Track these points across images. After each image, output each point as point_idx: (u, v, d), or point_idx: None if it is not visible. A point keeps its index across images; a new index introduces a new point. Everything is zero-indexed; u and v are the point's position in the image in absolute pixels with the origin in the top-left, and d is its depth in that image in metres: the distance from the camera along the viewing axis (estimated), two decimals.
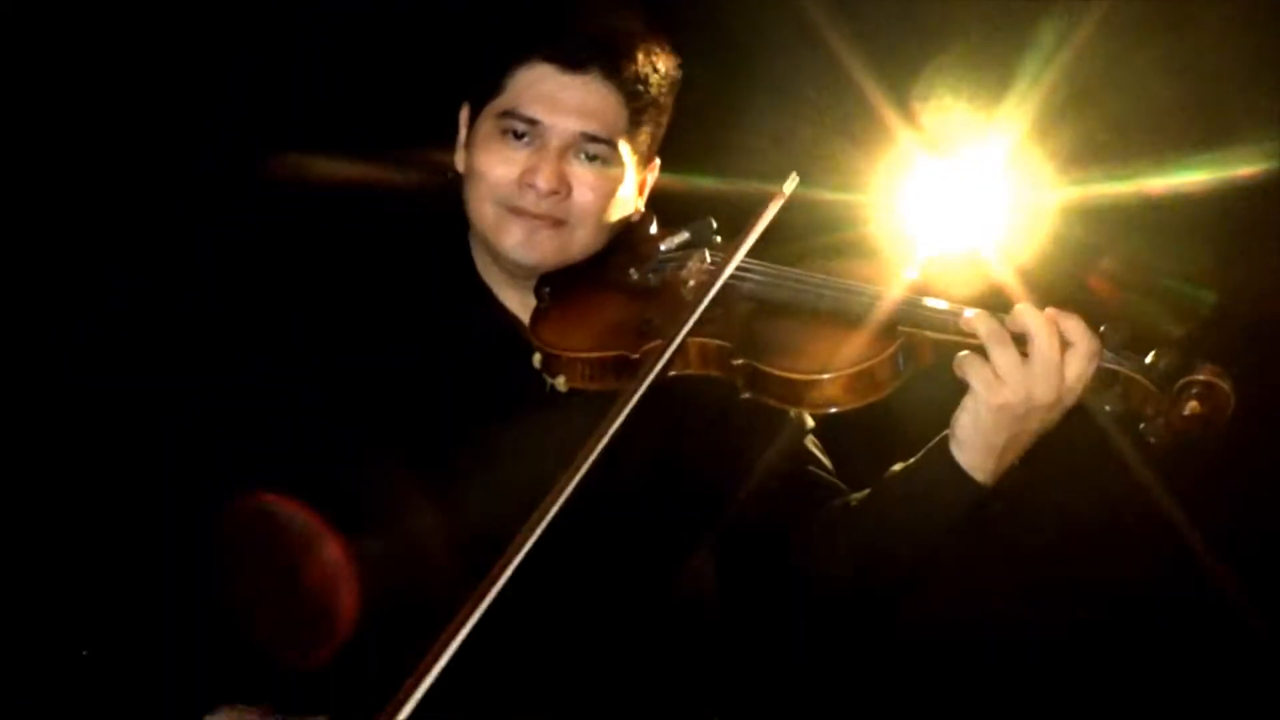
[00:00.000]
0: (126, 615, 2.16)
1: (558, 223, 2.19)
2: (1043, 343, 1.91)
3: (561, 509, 1.85)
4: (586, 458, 1.88)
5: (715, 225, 2.23)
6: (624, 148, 2.21)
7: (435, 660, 1.77)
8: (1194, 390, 1.91)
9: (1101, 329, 1.97)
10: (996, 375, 1.92)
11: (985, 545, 3.06)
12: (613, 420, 1.91)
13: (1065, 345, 1.92)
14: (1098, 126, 2.91)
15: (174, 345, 2.93)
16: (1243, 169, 2.93)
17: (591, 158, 2.19)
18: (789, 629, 3.15)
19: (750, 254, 2.11)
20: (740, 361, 2.01)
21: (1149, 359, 1.94)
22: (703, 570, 2.35)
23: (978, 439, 1.98)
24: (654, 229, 2.32)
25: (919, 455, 2.09)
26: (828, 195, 2.87)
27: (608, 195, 2.21)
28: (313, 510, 2.13)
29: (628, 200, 2.26)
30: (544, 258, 2.20)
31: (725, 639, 2.40)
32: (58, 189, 2.95)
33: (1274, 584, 3.07)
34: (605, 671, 2.18)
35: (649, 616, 2.24)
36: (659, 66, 2.23)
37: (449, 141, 2.32)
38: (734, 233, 2.17)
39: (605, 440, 1.89)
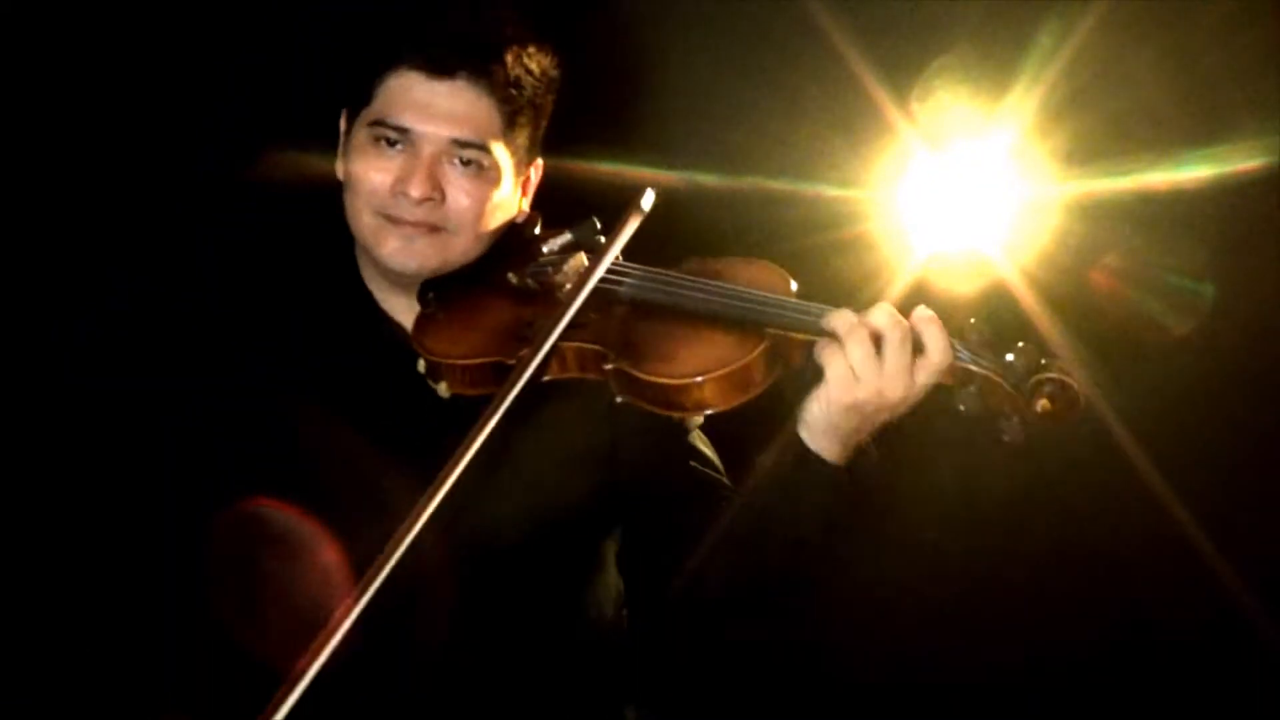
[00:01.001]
0: (110, 617, 2.15)
1: (434, 229, 2.18)
2: (894, 345, 1.94)
3: (434, 514, 1.88)
4: (455, 465, 1.90)
5: (599, 225, 2.21)
6: (499, 151, 2.20)
7: (303, 671, 1.81)
8: (1045, 388, 1.95)
9: (970, 320, 2.01)
10: (852, 372, 1.95)
11: (987, 546, 3.10)
12: (483, 426, 1.93)
13: (919, 348, 1.96)
14: (1097, 123, 2.91)
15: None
16: (1242, 164, 2.93)
17: (466, 163, 2.18)
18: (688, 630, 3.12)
19: (633, 258, 2.12)
20: (612, 366, 2.03)
21: (1009, 358, 1.98)
22: (604, 572, 2.34)
23: (826, 426, 2.01)
24: (538, 230, 2.31)
25: (772, 444, 2.09)
26: (828, 192, 2.88)
27: (484, 200, 2.20)
28: (305, 514, 2.13)
29: (508, 203, 2.25)
30: (422, 265, 2.19)
31: (633, 638, 2.39)
32: (55, 189, 2.94)
33: (1274, 583, 3.06)
34: (516, 673, 2.19)
35: (544, 625, 2.24)
36: (532, 67, 2.21)
37: (330, 146, 2.31)
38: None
39: (475, 446, 1.91)
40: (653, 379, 2.00)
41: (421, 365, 2.12)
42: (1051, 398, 1.94)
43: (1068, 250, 2.93)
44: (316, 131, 2.34)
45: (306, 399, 2.18)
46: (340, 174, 2.26)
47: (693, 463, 2.28)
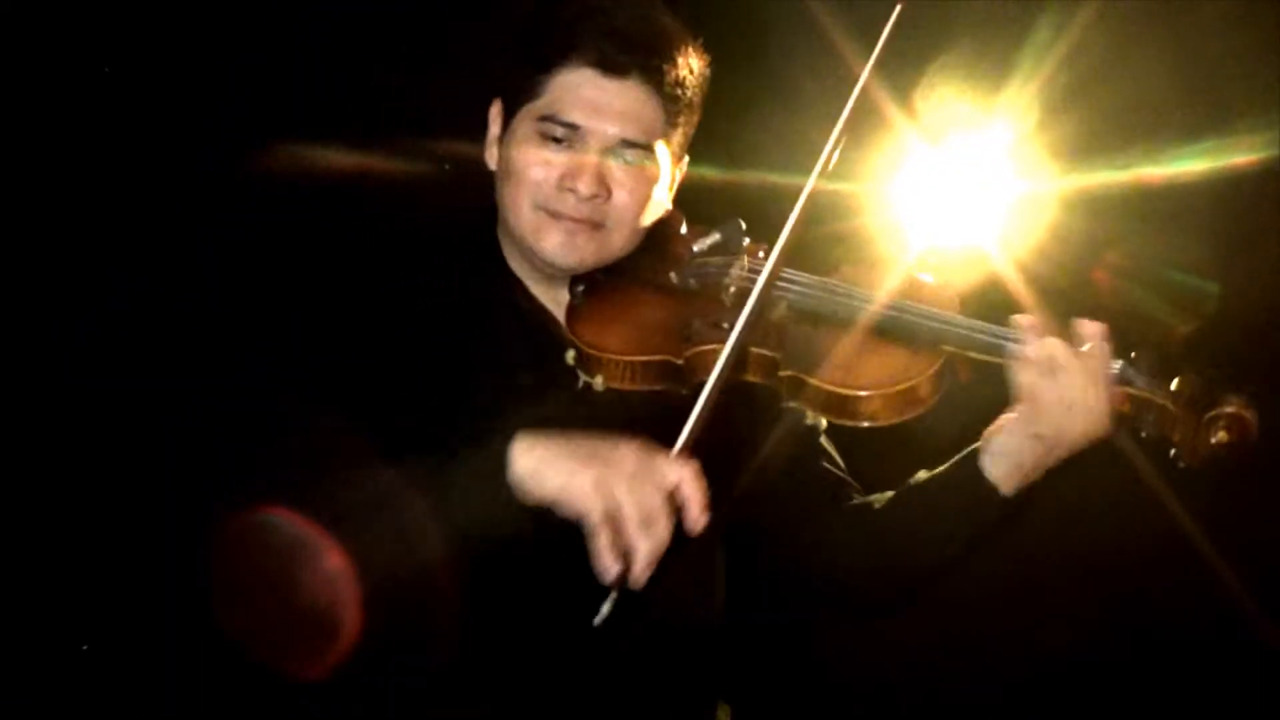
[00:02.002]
0: (126, 615, 2.14)
1: (596, 225, 2.19)
2: (1075, 377, 2.01)
3: None
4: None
5: (744, 227, 2.24)
6: (661, 149, 2.22)
7: None
8: (1222, 422, 1.98)
9: (1132, 355, 2.04)
10: (1043, 405, 2.01)
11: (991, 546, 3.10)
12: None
13: (1095, 378, 2.02)
14: (1096, 118, 2.91)
15: (190, 346, 2.93)
16: (1241, 158, 2.93)
17: (630, 161, 2.19)
18: (797, 625, 3.15)
19: (790, 265, 2.14)
20: (788, 373, 2.06)
21: (1175, 385, 2.01)
22: (713, 565, 2.34)
23: (1009, 458, 2.08)
24: (684, 229, 2.32)
25: (949, 464, 2.16)
26: (828, 187, 2.87)
27: (645, 197, 2.22)
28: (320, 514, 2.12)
29: (662, 200, 2.27)
30: (583, 260, 2.20)
31: (733, 631, 2.40)
32: (55, 189, 2.96)
33: (1274, 582, 3.07)
34: (614, 661, 2.18)
35: (657, 609, 2.23)
36: (694, 67, 2.24)
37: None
38: (761, 234, 2.20)
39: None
40: (827, 387, 2.03)
41: (571, 356, 2.12)
42: (1229, 429, 1.98)
43: (1066, 245, 2.94)
44: (468, 122, 2.35)
45: (453, 382, 2.18)
46: (492, 163, 2.28)
47: (824, 464, 2.32)
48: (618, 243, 2.22)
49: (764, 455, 2.25)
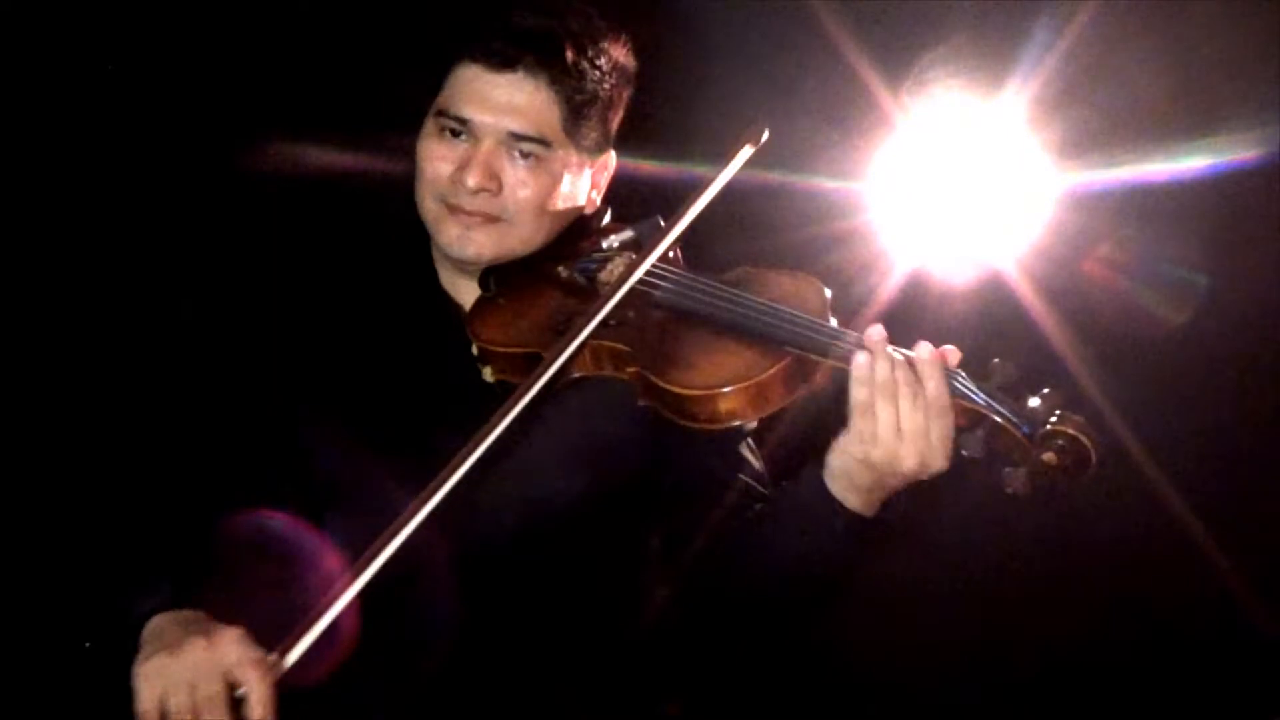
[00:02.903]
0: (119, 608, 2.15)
1: (491, 219, 2.21)
2: (906, 400, 1.94)
3: (443, 500, 1.92)
4: (469, 453, 1.93)
5: (663, 224, 2.21)
6: (561, 144, 2.22)
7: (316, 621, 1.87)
8: (1056, 441, 1.88)
9: (994, 361, 1.97)
10: (874, 433, 1.95)
11: (985, 543, 3.10)
12: (501, 416, 1.95)
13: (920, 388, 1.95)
14: (1092, 115, 2.91)
15: (148, 347, 2.93)
16: (1237, 156, 2.93)
17: (525, 155, 2.21)
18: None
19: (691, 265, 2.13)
20: (634, 369, 2.04)
21: (1032, 403, 1.92)
22: (636, 568, 2.33)
23: (843, 478, 2.02)
24: (605, 222, 2.33)
25: (797, 478, 2.11)
26: (823, 184, 2.88)
27: (543, 191, 2.22)
28: (302, 521, 2.14)
29: (572, 194, 2.27)
30: (480, 252, 2.22)
31: (678, 635, 2.39)
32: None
33: (1274, 580, 3.07)
34: (515, 667, 2.19)
35: (556, 615, 2.22)
36: (599, 60, 2.23)
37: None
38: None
39: (491, 436, 1.94)
40: (670, 387, 2.00)
41: (475, 349, 2.16)
42: (1060, 452, 1.87)
43: (1063, 242, 2.94)
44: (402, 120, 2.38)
45: (371, 383, 2.22)
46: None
47: (741, 474, 2.27)
48: (518, 235, 2.23)
49: (673, 459, 2.22)
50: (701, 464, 2.22)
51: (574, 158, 2.24)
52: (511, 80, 2.19)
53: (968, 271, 2.91)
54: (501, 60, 2.18)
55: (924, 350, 1.97)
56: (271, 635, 1.95)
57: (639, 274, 2.09)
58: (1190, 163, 2.93)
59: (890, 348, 1.97)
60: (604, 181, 2.34)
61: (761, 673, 3.20)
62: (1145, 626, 3.17)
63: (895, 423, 1.93)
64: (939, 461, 1.95)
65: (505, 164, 2.20)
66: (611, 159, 2.34)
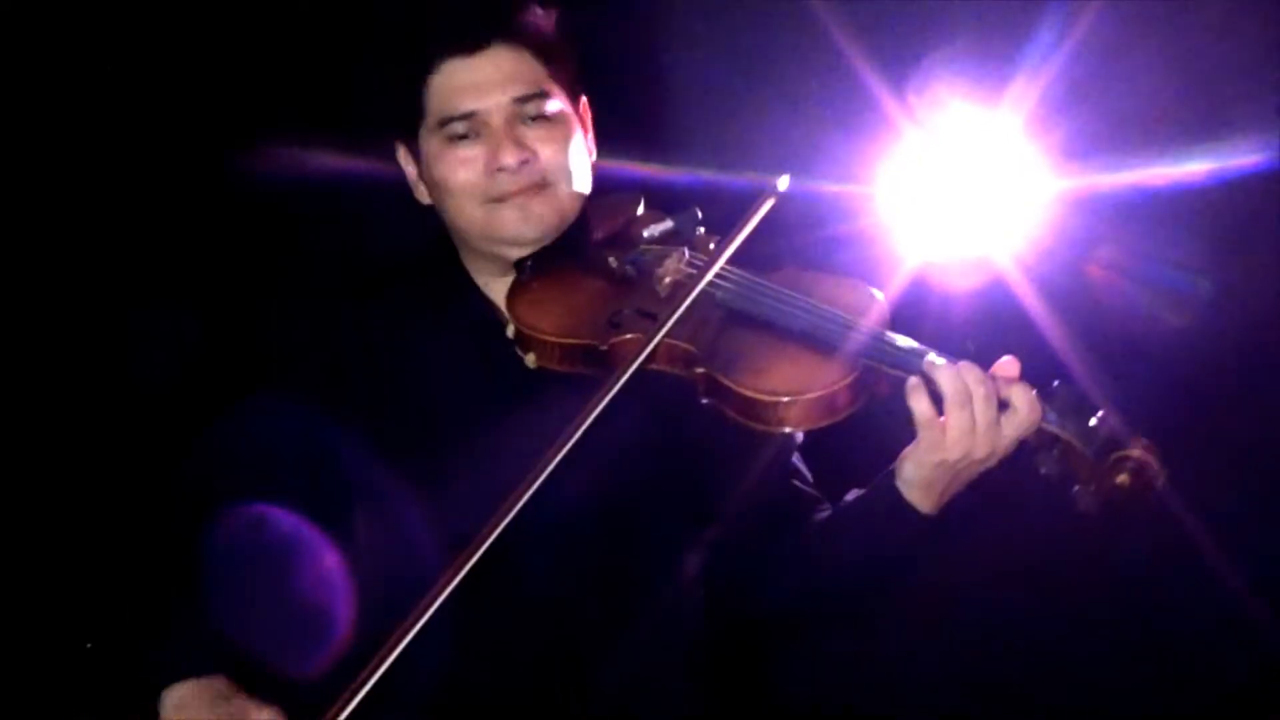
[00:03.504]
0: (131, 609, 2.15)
1: (539, 187, 2.22)
2: (981, 403, 1.98)
3: (536, 497, 1.91)
4: (560, 448, 1.93)
5: (700, 216, 2.25)
6: (555, 93, 2.24)
7: (397, 642, 1.83)
8: (1127, 465, 1.96)
9: (1054, 384, 2.03)
10: (944, 433, 1.99)
11: (984, 542, 3.10)
12: (587, 415, 1.95)
13: (1005, 405, 2.00)
14: (1096, 118, 2.92)
15: (177, 353, 2.94)
16: (1241, 159, 2.93)
17: (535, 117, 2.22)
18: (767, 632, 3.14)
19: (731, 260, 2.13)
20: (702, 370, 2.05)
21: (1091, 423, 1.99)
22: (692, 572, 2.34)
23: (918, 482, 2.07)
24: (640, 210, 2.34)
25: (869, 488, 2.16)
26: (827, 188, 2.88)
27: (566, 141, 2.24)
28: (315, 517, 2.14)
29: (583, 143, 2.29)
30: (543, 223, 2.23)
31: (715, 638, 2.40)
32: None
33: (1274, 578, 3.07)
34: (590, 662, 2.20)
35: (636, 611, 2.24)
36: (549, 20, 2.27)
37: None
38: (719, 227, 2.19)
39: (580, 432, 1.94)
40: (741, 390, 2.01)
41: (511, 331, 2.16)
42: (1132, 474, 1.96)
43: (1066, 246, 2.94)
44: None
45: (413, 386, 2.23)
46: (424, 198, 2.31)
47: (794, 480, 2.31)
48: (567, 196, 2.25)
49: (739, 464, 2.24)
50: (759, 467, 2.25)
51: (568, 105, 2.26)
52: (490, 55, 2.20)
53: (971, 275, 2.91)
54: (474, 42, 2.20)
55: (1010, 368, 2.03)
56: (273, 634, 1.95)
57: (711, 275, 2.09)
58: (1194, 166, 2.93)
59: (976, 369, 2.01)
60: (590, 128, 2.35)
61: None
62: (1145, 626, 3.18)
63: (971, 426, 1.98)
64: (1008, 448, 2.01)
65: (525, 133, 2.21)
66: (585, 103, 2.35)
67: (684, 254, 2.19)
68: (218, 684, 1.97)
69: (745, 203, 2.10)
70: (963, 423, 1.98)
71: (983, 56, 2.92)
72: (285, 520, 2.12)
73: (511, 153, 2.19)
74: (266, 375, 2.29)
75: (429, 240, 2.33)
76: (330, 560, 2.10)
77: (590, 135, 2.34)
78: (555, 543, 2.14)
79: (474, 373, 2.23)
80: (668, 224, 2.26)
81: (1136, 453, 1.96)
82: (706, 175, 2.52)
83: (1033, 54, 2.88)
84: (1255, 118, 2.94)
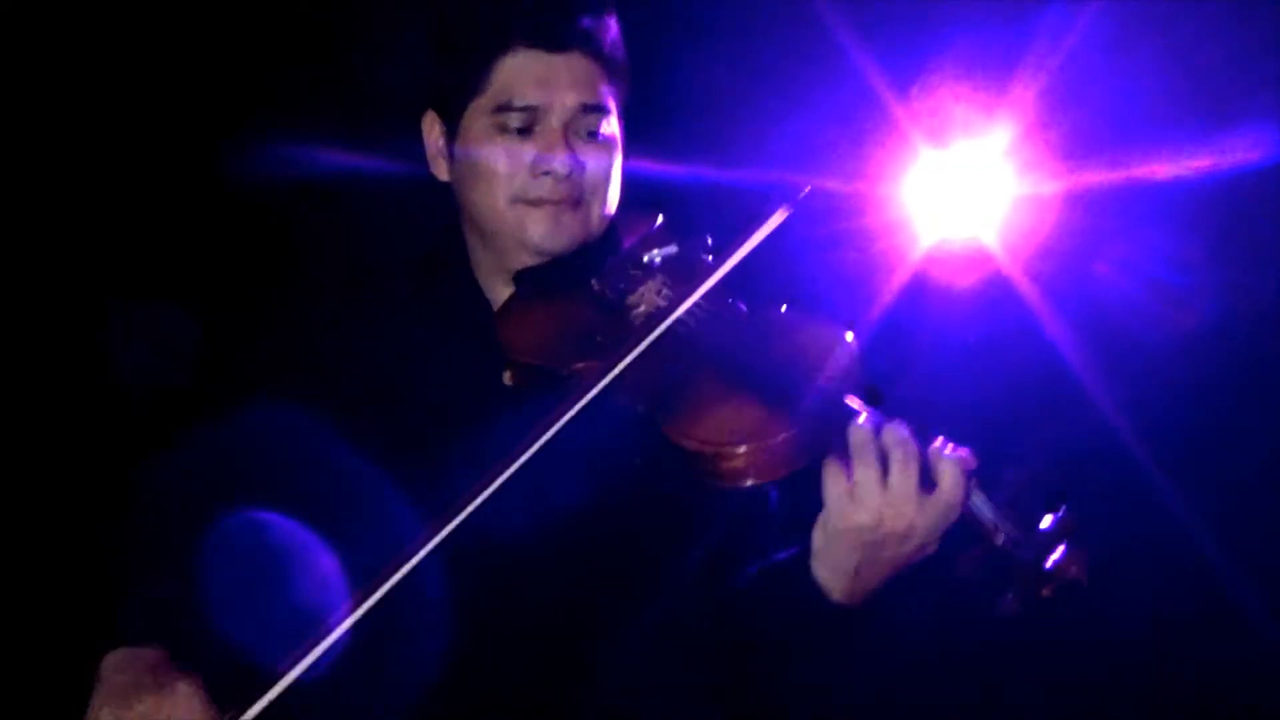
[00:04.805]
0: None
1: (575, 202, 2.16)
2: (899, 466, 1.82)
3: (469, 524, 1.86)
4: (488, 484, 1.86)
5: (710, 243, 2.17)
6: (615, 114, 2.19)
7: (306, 652, 1.81)
8: (1061, 579, 1.79)
9: (1010, 469, 1.85)
10: (852, 494, 1.83)
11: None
12: (533, 441, 1.87)
13: (932, 481, 1.83)
14: (1097, 116, 2.92)
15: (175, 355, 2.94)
16: (1242, 156, 2.93)
17: (591, 132, 2.16)
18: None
19: (717, 289, 2.02)
20: (643, 408, 1.96)
21: (1042, 525, 1.81)
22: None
23: (829, 556, 1.90)
24: (655, 229, 2.27)
25: (784, 558, 2.01)
26: (831, 186, 2.88)
27: (612, 163, 2.19)
28: (306, 523, 2.13)
29: (620, 169, 2.23)
30: (571, 240, 2.17)
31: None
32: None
33: (1274, 577, 3.07)
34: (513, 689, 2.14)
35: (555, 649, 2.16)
36: (616, 32, 2.21)
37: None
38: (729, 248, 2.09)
39: (523, 458, 1.87)
40: (673, 436, 1.90)
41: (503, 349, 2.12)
42: (1059, 588, 1.79)
43: (1067, 242, 2.94)
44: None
45: (408, 393, 2.17)
46: (442, 174, 2.24)
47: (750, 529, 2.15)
48: (596, 217, 2.19)
49: (679, 519, 2.13)
50: (705, 519, 2.13)
51: (619, 129, 2.21)
52: (569, 58, 2.13)
53: (972, 272, 2.91)
54: (555, 40, 2.13)
55: (948, 447, 1.85)
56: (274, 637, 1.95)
57: (669, 323, 1.98)
58: (1195, 164, 2.93)
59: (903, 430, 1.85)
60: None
61: None
62: (1144, 626, 3.18)
63: (878, 485, 1.82)
64: (930, 531, 1.84)
65: (577, 143, 2.15)
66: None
67: (660, 283, 2.12)
68: (149, 654, 1.94)
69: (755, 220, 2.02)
70: (868, 479, 1.82)
71: (984, 55, 2.92)
72: (281, 523, 2.11)
73: (564, 160, 2.12)
74: (264, 376, 2.27)
75: (436, 229, 2.29)
76: (326, 563, 2.08)
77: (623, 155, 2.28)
78: (487, 574, 2.08)
79: (466, 383, 2.18)
80: (672, 249, 2.18)
81: (1073, 570, 1.79)
82: (713, 175, 2.52)
83: (1034, 52, 2.88)
84: (1254, 114, 2.94)
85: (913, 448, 1.82)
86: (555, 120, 2.14)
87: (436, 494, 1.97)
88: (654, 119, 2.66)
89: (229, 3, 3.01)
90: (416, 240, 2.37)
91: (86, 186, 2.99)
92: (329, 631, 1.84)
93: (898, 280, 2.60)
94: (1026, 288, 2.87)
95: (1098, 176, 2.93)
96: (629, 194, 2.27)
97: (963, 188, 2.85)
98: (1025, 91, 2.89)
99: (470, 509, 1.85)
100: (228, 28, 3.00)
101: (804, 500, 1.92)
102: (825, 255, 2.76)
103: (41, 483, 2.95)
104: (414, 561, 1.84)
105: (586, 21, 2.15)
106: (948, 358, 2.99)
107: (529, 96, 2.13)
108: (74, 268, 2.99)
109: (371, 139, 2.80)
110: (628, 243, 2.24)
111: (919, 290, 2.77)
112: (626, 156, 2.25)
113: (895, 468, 1.82)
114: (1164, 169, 2.93)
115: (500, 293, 2.24)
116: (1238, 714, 3.16)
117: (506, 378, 2.09)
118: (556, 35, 2.13)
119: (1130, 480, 2.93)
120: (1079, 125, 2.92)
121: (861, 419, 1.84)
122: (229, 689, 1.93)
